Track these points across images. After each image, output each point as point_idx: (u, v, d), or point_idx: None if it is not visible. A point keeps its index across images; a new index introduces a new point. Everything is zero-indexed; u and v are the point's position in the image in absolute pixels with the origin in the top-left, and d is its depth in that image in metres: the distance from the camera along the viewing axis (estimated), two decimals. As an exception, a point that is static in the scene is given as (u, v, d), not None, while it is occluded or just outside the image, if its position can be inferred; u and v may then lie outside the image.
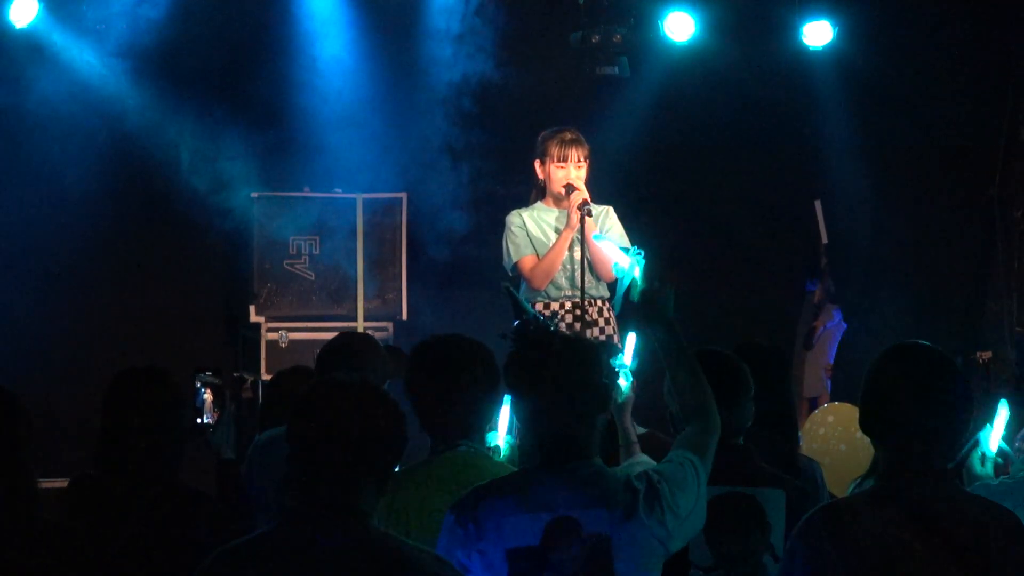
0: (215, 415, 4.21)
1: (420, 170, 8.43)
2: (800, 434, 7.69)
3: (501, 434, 4.20)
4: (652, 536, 3.33)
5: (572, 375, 3.38)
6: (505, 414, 4.21)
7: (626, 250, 3.87)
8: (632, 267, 3.79)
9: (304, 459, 2.95)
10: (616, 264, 3.92)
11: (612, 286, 6.73)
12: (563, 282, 6.67)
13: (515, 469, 3.86)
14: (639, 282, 3.74)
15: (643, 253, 3.81)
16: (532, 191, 6.87)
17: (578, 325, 6.56)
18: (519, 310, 5.00)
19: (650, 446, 4.19)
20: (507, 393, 3.52)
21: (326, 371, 4.98)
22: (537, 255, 6.66)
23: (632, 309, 3.78)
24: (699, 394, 3.55)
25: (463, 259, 8.31)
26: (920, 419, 3.24)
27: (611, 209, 6.78)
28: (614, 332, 6.68)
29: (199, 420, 4.20)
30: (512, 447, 4.18)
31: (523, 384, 3.42)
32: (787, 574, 3.26)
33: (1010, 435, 4.24)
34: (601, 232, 6.62)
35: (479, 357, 3.82)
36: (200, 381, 4.23)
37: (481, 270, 8.09)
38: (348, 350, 4.90)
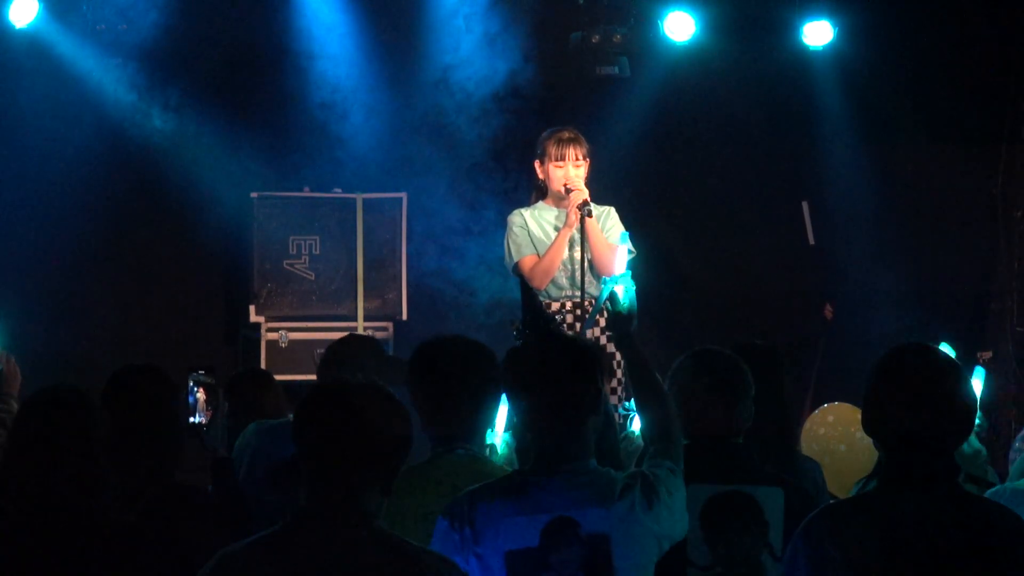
0: (208, 414, 4.23)
1: (420, 170, 8.43)
2: (800, 434, 7.73)
3: (498, 432, 4.18)
4: (650, 533, 3.36)
5: (567, 376, 3.38)
6: (503, 412, 4.20)
7: (622, 276, 3.81)
8: (614, 284, 3.74)
9: (309, 460, 2.94)
10: (604, 279, 3.87)
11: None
12: (563, 282, 6.67)
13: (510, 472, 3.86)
14: (621, 302, 3.69)
15: (634, 285, 3.77)
16: (533, 192, 6.89)
17: (579, 325, 6.56)
18: (531, 306, 4.97)
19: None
20: (504, 392, 3.52)
21: (327, 374, 4.98)
22: (538, 254, 6.67)
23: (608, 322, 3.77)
24: (664, 418, 3.53)
25: (463, 259, 8.31)
26: (923, 420, 3.22)
27: (612, 210, 6.77)
28: (615, 332, 6.67)
29: (192, 419, 4.22)
30: (509, 445, 4.18)
31: (519, 384, 3.42)
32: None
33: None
34: (603, 231, 6.63)
35: (480, 359, 3.81)
36: (193, 380, 4.24)
37: (481, 270, 8.09)
38: (345, 352, 4.90)
